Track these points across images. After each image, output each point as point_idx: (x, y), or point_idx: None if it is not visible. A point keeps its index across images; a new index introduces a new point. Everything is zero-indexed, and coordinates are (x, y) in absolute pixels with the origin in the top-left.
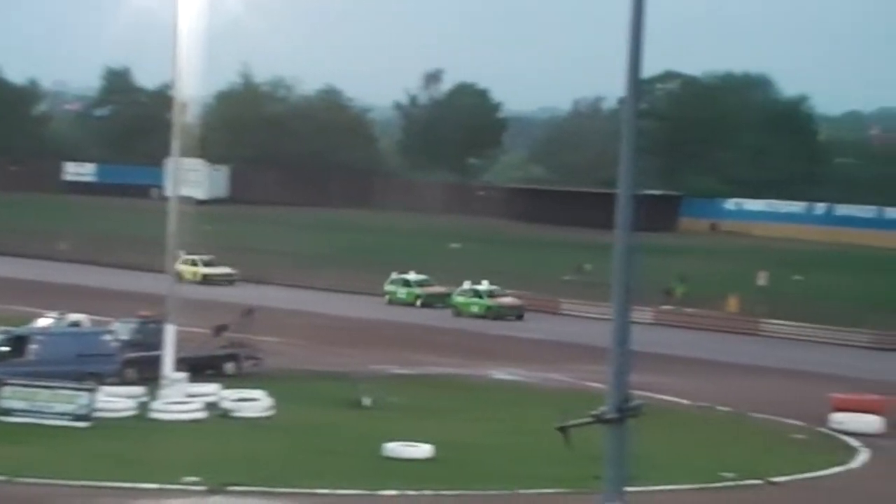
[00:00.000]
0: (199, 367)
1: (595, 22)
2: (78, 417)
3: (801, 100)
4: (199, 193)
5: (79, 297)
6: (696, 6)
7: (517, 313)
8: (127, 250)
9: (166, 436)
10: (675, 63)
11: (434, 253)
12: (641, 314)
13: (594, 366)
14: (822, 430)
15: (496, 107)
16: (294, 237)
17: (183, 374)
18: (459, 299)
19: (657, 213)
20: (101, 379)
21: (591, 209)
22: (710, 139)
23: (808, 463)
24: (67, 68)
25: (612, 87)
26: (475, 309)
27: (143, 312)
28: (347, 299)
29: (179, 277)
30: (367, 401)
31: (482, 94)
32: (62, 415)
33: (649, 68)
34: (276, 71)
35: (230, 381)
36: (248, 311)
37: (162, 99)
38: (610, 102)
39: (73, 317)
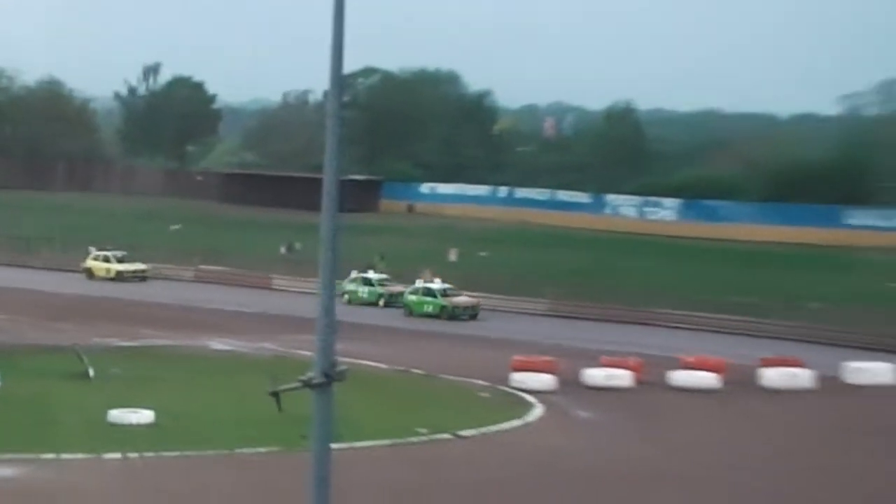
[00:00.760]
0: None
1: (302, 19)
2: None
3: (484, 94)
4: None
5: None
6: (394, 6)
7: (472, 312)
8: None
9: None
10: (375, 59)
11: (155, 234)
12: None
13: (303, 335)
14: (504, 388)
15: (211, 98)
16: (13, 219)
17: None
18: (412, 298)
19: (360, 196)
20: None
21: (300, 192)
22: (407, 129)
23: (492, 418)
24: None
25: (318, 81)
26: (429, 308)
27: None
28: (69, 277)
29: (91, 274)
30: (91, 372)
31: (198, 87)
32: None
33: (351, 64)
34: None
35: None
36: None
37: None
38: (316, 95)
39: None
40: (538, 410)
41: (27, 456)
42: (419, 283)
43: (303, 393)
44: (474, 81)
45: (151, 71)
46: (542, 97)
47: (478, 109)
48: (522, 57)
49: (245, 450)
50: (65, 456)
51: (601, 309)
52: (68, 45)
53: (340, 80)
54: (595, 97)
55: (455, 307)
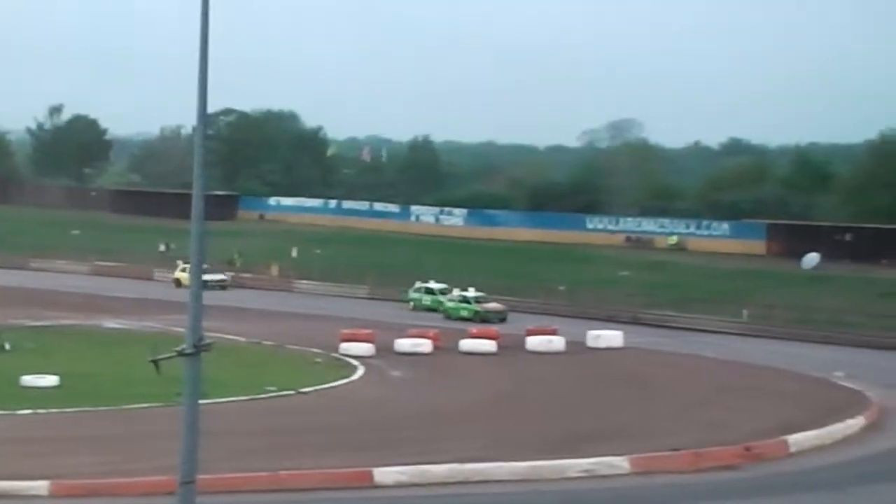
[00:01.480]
0: None
1: (175, 68)
2: None
3: (318, 129)
4: None
5: None
6: (249, 53)
7: (501, 316)
8: None
9: None
10: (233, 102)
11: (59, 237)
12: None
13: (177, 315)
14: (335, 355)
15: (103, 131)
16: None
17: None
18: (450, 304)
19: (221, 207)
20: None
21: (174, 205)
22: (258, 155)
23: (325, 377)
24: None
25: (188, 118)
26: (464, 313)
27: None
28: None
29: (179, 284)
30: (7, 346)
31: (93, 122)
32: None
33: (214, 105)
34: None
35: None
36: None
37: None
38: (187, 129)
39: None
40: (361, 371)
41: None
42: (457, 292)
43: (177, 360)
44: (309, 119)
45: (55, 110)
46: (362, 131)
47: (313, 140)
48: (347, 99)
49: (132, 405)
50: None
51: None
52: None
53: (205, 118)
54: (402, 131)
55: (486, 311)
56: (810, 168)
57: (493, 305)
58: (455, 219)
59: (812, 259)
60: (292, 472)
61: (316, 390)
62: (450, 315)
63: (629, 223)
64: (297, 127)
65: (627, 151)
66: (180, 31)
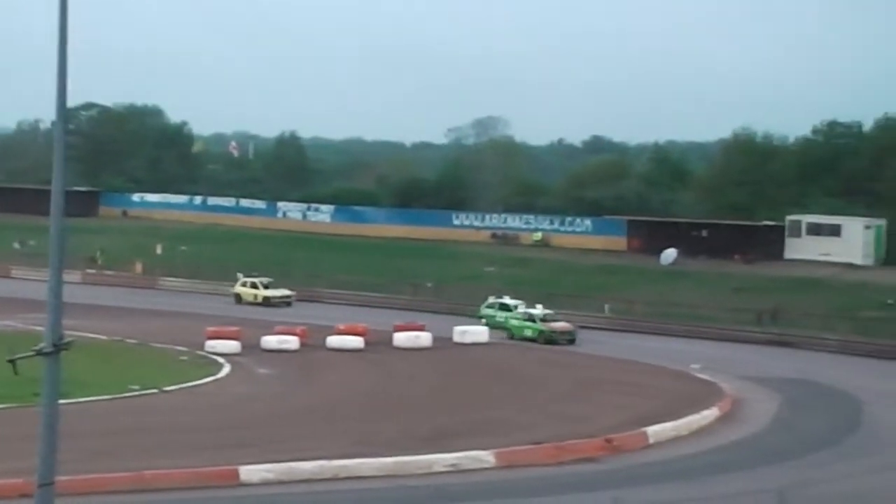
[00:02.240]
0: None
1: (34, 58)
2: None
3: (183, 124)
4: None
5: None
6: (111, 45)
7: (569, 337)
8: None
9: None
10: (94, 95)
11: None
12: (72, 276)
13: (37, 314)
14: (201, 353)
15: None
16: None
17: None
18: (514, 322)
19: (82, 204)
20: None
21: (33, 201)
22: (121, 151)
23: (190, 375)
24: None
25: (47, 112)
26: (528, 333)
27: None
28: None
29: (239, 299)
30: None
31: None
32: None
33: (74, 100)
34: None
35: None
36: None
37: None
38: (45, 123)
39: None
40: (226, 369)
41: None
42: (521, 309)
43: (36, 360)
44: (175, 114)
45: None
46: (229, 126)
47: (178, 135)
48: (213, 95)
49: None
50: None
51: None
52: None
53: (65, 112)
54: (269, 127)
55: (552, 331)
56: (668, 165)
57: (561, 325)
58: (322, 215)
59: (670, 255)
60: (156, 472)
61: (181, 388)
62: (513, 334)
63: (495, 220)
64: (161, 122)
65: (493, 149)
66: (38, 22)
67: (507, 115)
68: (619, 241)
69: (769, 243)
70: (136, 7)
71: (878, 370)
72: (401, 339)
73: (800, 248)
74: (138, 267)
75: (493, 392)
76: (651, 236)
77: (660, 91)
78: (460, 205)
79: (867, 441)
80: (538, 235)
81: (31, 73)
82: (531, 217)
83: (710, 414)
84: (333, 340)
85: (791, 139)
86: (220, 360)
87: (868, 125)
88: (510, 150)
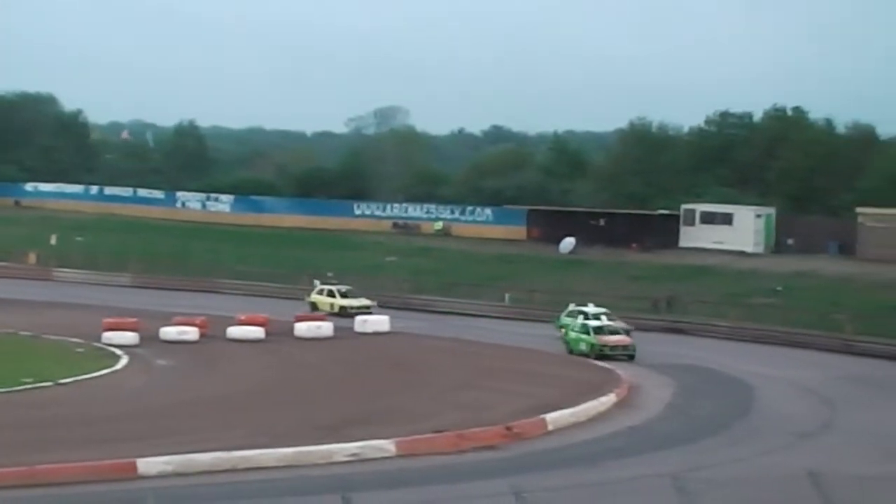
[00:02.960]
0: None
1: None
2: None
3: (78, 112)
4: None
5: None
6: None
7: (629, 353)
8: None
9: None
10: None
11: None
12: None
13: None
14: (97, 344)
15: None
16: None
17: None
18: (572, 335)
19: None
20: None
21: None
22: (12, 140)
23: (87, 368)
24: None
25: None
26: (583, 346)
27: None
28: None
29: (314, 308)
30: None
31: None
32: None
33: None
34: None
35: None
36: None
37: None
38: None
39: None
40: (124, 360)
41: None
42: (580, 321)
43: None
44: (69, 103)
45: None
46: (125, 115)
47: (73, 124)
48: (109, 83)
49: None
50: None
51: (174, 280)
52: None
53: None
54: (167, 116)
55: (603, 346)
56: (566, 155)
57: (619, 339)
58: (222, 205)
59: (569, 244)
60: (50, 466)
61: (77, 381)
62: (571, 349)
63: (396, 209)
64: (55, 110)
65: (394, 138)
66: None
67: (407, 104)
68: (519, 231)
69: (665, 232)
70: None
71: (768, 355)
72: (302, 329)
73: (694, 237)
74: (32, 257)
75: (394, 380)
76: (550, 225)
77: (558, 82)
78: (361, 194)
79: (757, 425)
80: (439, 225)
81: None
82: (432, 207)
83: (607, 400)
84: (234, 331)
85: (685, 129)
86: (118, 351)
87: (758, 116)
88: (411, 140)
